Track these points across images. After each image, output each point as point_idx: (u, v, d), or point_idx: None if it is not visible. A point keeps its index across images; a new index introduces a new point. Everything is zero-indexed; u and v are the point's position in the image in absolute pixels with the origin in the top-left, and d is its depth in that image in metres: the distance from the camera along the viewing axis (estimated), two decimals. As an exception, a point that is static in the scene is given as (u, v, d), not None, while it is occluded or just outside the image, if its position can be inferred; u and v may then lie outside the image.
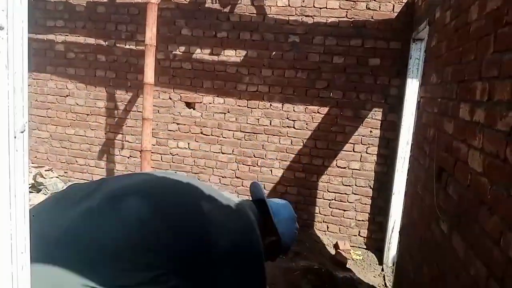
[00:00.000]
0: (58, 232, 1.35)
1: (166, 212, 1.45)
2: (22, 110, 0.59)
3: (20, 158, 0.60)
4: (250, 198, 1.91)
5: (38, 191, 5.00)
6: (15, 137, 0.59)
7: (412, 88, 3.90)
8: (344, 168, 4.51)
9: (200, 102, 4.78)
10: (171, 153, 4.95)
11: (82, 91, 5.10)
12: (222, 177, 4.85)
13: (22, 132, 0.60)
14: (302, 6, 4.39)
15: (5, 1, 0.55)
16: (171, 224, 1.42)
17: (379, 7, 4.23)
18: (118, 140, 5.09)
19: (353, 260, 4.23)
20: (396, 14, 4.20)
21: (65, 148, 5.27)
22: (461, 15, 2.11)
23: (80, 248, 1.32)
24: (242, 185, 4.80)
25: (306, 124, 4.54)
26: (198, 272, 1.42)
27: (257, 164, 4.73)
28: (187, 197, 1.56)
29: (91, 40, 5.00)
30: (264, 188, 4.73)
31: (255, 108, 4.64)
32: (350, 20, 4.31)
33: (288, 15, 4.44)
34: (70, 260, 1.29)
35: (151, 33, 3.82)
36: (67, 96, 5.16)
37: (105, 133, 5.12)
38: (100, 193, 1.51)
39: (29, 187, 4.69)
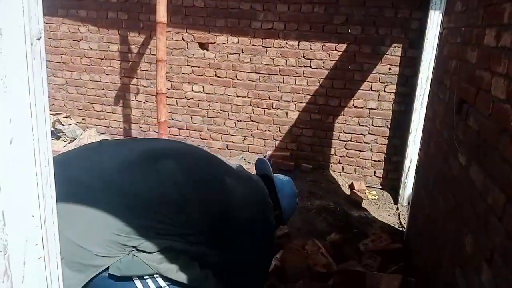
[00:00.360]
0: (91, 177, 1.40)
1: (196, 182, 1.54)
2: (37, 16, 0.58)
3: (38, 66, 0.60)
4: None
5: (58, 138, 5.10)
6: (32, 44, 0.58)
7: (434, 20, 3.73)
8: (361, 108, 4.45)
9: (214, 43, 4.68)
10: (186, 97, 4.94)
11: (95, 34, 5.04)
12: (238, 121, 4.85)
13: (38, 39, 0.59)
14: None
15: None
16: (201, 193, 1.52)
17: None
18: (133, 84, 5.09)
19: (368, 199, 4.29)
20: None
21: (81, 94, 5.31)
22: None
23: (114, 193, 1.37)
24: (257, 129, 4.81)
25: (323, 62, 4.43)
26: (219, 238, 1.54)
27: (272, 107, 4.70)
28: (214, 171, 1.67)
29: (101, -21, 4.86)
30: (280, 131, 4.74)
31: (270, 47, 4.53)
32: None
33: None
34: (104, 203, 1.35)
35: (161, -31, 3.69)
36: (80, 40, 5.11)
37: (120, 78, 5.11)
38: (133, 149, 1.59)
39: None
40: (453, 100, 2.27)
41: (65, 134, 5.11)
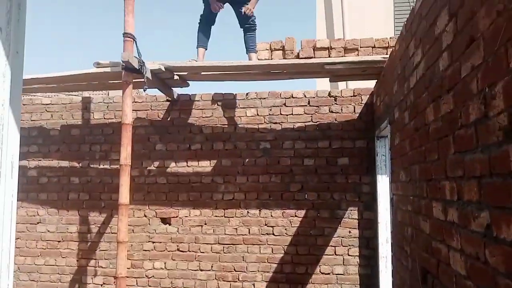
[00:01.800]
0: None
1: None
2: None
3: None
4: None
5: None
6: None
7: (383, 184, 4.00)
8: (328, 274, 4.36)
9: (176, 217, 4.69)
10: (146, 276, 4.68)
11: (54, 216, 4.94)
12: (203, 298, 4.56)
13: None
14: (270, 115, 4.65)
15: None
16: None
17: (341, 109, 4.53)
18: (91, 266, 4.81)
19: None
20: (357, 115, 4.49)
21: (33, 280, 4.91)
22: (419, 116, 2.16)
23: None
24: (224, 305, 4.51)
25: (285, 229, 4.48)
26: None
27: (238, 279, 4.52)
28: None
29: (65, 163, 4.99)
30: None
31: (232, 217, 4.59)
32: (316, 123, 4.55)
33: (257, 124, 4.66)
34: None
35: (126, 152, 3.82)
36: (38, 223, 4.97)
37: (77, 260, 4.85)
38: None
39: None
40: (416, 267, 2.27)
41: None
